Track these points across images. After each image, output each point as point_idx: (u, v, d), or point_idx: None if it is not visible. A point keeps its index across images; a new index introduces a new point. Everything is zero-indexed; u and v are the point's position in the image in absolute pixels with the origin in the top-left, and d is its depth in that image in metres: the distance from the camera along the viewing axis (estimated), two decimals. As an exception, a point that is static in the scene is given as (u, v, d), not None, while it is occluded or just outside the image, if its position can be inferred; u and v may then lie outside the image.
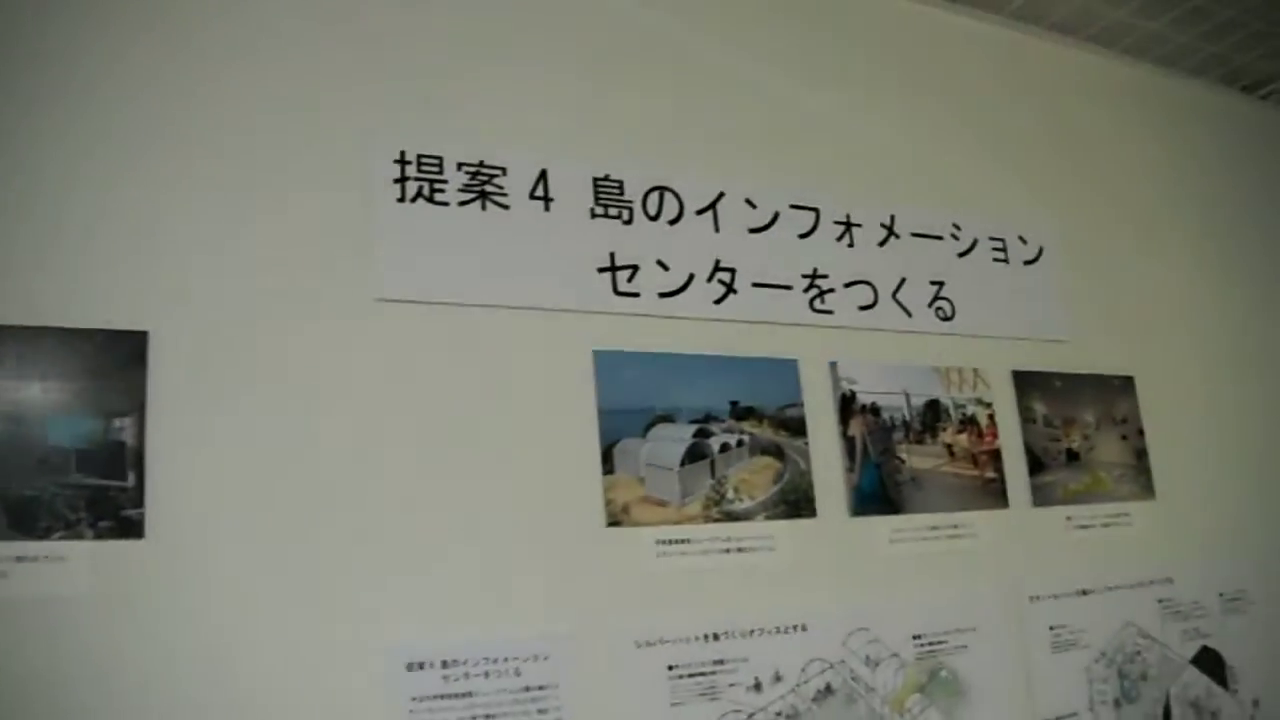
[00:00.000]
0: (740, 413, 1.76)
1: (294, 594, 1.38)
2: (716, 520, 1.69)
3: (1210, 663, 2.18)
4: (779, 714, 1.65)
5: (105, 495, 1.31)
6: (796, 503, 1.77)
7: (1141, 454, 2.23)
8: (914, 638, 1.81)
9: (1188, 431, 2.33)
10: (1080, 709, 1.97)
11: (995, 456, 2.02)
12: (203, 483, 1.37)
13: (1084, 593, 2.04)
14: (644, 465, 1.65)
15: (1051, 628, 1.98)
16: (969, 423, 2.01)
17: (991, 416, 2.04)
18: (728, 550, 1.69)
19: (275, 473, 1.41)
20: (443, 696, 1.45)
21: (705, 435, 1.72)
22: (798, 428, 1.81)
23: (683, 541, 1.66)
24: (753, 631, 1.67)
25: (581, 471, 1.61)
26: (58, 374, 1.32)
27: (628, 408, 1.66)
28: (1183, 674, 2.13)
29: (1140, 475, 2.22)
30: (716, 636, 1.64)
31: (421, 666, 1.44)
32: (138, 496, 1.33)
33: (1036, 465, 2.07)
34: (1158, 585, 2.15)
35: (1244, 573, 2.30)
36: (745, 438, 1.75)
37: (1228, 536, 2.31)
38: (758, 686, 1.65)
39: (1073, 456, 2.13)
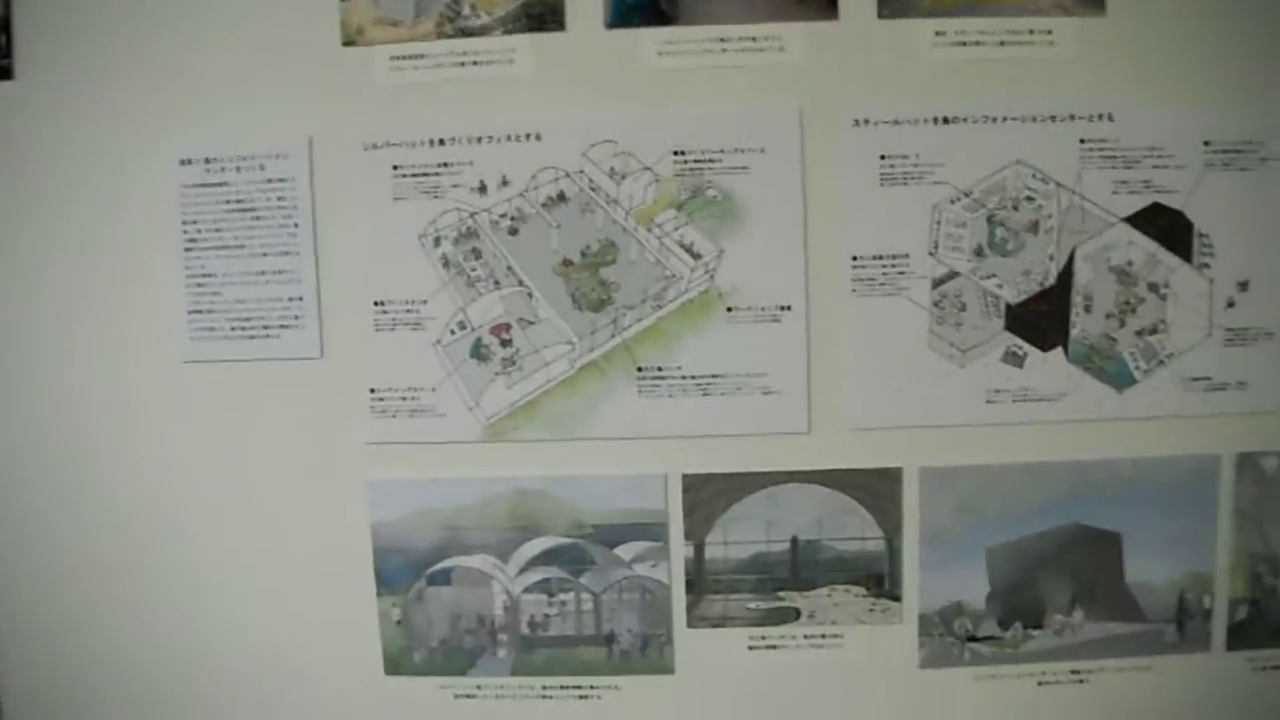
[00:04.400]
0: (485, -70, 1.77)
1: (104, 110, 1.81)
2: (450, 36, 1.76)
3: (1165, 225, 1.78)
4: (504, 215, 1.76)
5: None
6: (541, 16, 1.76)
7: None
8: (675, 153, 1.75)
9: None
10: (913, 250, 1.77)
11: (830, -41, 1.77)
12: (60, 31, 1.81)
13: (943, 121, 1.76)
14: (376, -16, 1.77)
15: (883, 157, 1.76)
16: (797, -71, 1.78)
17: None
18: (462, 64, 1.77)
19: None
20: (205, 185, 1.81)
21: (443, -45, 1.77)
22: (552, -58, 1.77)
23: (416, 57, 1.77)
24: (480, 139, 1.76)
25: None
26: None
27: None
28: (1105, 232, 1.78)
29: (1077, -18, 1.78)
30: (442, 142, 1.77)
31: (190, 162, 1.81)
32: (7, 49, 1.81)
33: (898, -28, 1.77)
34: (1084, 122, 1.75)
35: (1245, 121, 1.76)
36: (488, -46, 1.77)
37: (1213, 66, 1.76)
38: (482, 189, 1.76)
39: (961, -38, 1.78)
